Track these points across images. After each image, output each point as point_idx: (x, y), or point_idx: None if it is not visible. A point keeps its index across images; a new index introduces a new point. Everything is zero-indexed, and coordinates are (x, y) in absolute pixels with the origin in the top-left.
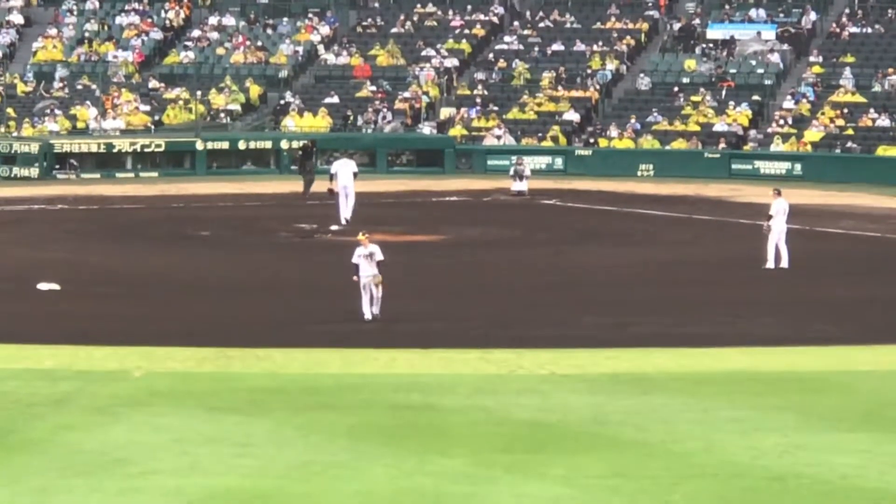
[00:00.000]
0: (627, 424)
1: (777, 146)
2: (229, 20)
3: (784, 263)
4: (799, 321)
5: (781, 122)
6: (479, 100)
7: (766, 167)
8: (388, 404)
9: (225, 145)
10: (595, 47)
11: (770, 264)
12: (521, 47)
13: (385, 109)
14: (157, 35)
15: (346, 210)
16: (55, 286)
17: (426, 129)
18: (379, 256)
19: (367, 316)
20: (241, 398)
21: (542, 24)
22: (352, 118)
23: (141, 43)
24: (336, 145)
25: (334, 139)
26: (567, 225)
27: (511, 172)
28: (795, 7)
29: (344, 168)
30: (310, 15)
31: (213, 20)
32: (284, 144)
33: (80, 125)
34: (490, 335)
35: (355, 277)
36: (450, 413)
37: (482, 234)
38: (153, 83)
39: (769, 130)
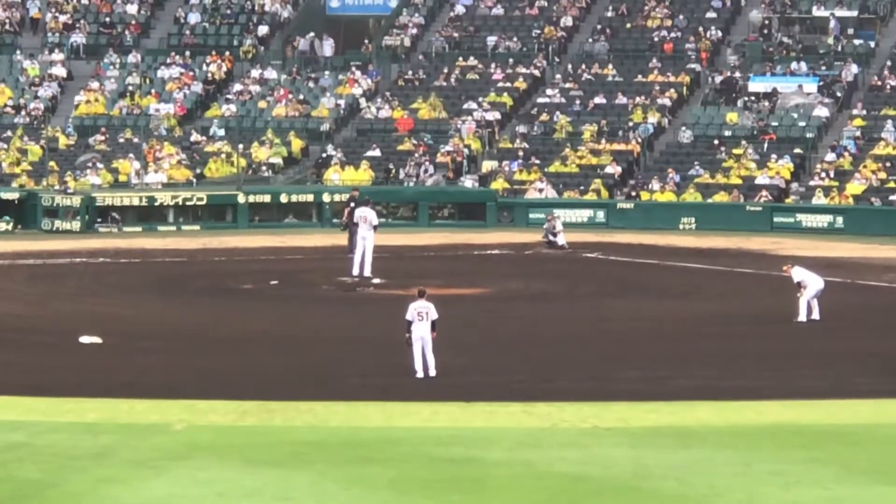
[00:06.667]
0: (669, 478)
1: (819, 199)
2: (271, 73)
3: (815, 315)
4: (841, 374)
5: (823, 175)
6: (520, 153)
7: (808, 220)
8: (429, 458)
9: (267, 199)
10: (637, 100)
11: (802, 318)
12: (563, 100)
13: (427, 162)
14: (198, 88)
15: (357, 263)
16: (97, 339)
17: (468, 182)
18: (433, 315)
19: (420, 374)
20: (282, 451)
21: (583, 78)
22: (393, 171)
23: (183, 96)
24: (378, 198)
25: (376, 192)
26: (609, 278)
27: (543, 235)
28: (837, 60)
29: (361, 220)
30: (352, 68)
31: (254, 73)
32: (326, 198)
33: (122, 178)
34: (532, 388)
35: (407, 335)
36: (492, 466)
37: (524, 287)
38: (195, 136)
39: (811, 183)
